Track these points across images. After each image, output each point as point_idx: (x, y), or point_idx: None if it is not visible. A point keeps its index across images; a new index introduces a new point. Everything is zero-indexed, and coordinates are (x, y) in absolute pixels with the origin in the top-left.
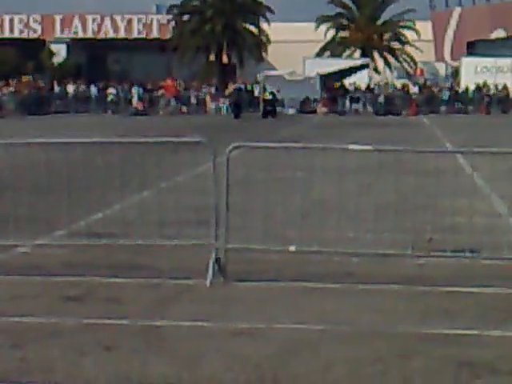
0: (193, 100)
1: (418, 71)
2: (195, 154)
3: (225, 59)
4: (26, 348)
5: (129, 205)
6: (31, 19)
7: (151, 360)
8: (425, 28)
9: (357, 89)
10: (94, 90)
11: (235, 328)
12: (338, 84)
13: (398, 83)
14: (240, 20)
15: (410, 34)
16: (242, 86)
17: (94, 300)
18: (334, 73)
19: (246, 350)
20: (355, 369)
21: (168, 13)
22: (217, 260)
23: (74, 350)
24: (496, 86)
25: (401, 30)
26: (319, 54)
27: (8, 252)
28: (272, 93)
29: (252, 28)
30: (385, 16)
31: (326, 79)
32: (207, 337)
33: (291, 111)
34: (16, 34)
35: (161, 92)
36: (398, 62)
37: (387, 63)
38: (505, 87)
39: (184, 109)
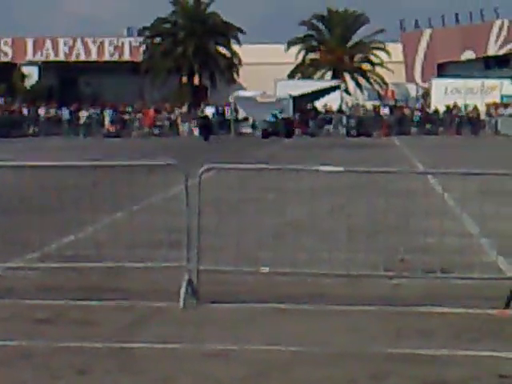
0: (165, 122)
1: (389, 92)
2: (167, 176)
3: (196, 81)
4: None
5: (101, 227)
6: (2, 42)
7: (124, 382)
8: (395, 49)
9: (328, 110)
10: (65, 112)
11: (208, 350)
12: (309, 105)
13: (369, 104)
14: (211, 42)
15: (380, 56)
16: (213, 110)
17: (66, 322)
18: (306, 94)
19: (218, 372)
20: None
21: (139, 35)
22: (189, 282)
23: (46, 373)
24: (466, 107)
25: (371, 51)
26: (291, 76)
27: None
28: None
29: (224, 50)
30: (355, 38)
31: (298, 101)
32: (180, 359)
33: None
34: None
35: (139, 116)
36: (369, 83)
37: (358, 85)
38: (475, 108)
39: (156, 131)
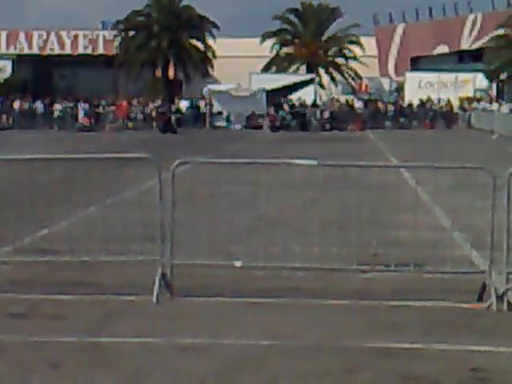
0: (139, 116)
1: (363, 86)
2: (141, 170)
3: (171, 75)
4: None
5: (74, 221)
6: None
7: (97, 377)
8: (369, 43)
9: (302, 104)
10: (39, 105)
11: (181, 344)
12: (283, 99)
13: (343, 98)
14: (186, 35)
15: (354, 50)
16: (187, 104)
17: (39, 317)
18: (280, 88)
19: (191, 366)
20: (300, 383)
21: (113, 28)
22: (163, 276)
23: (19, 367)
24: (439, 101)
25: (345, 45)
26: (265, 70)
27: None
28: (178, 109)
29: (198, 43)
30: (329, 31)
31: (272, 94)
32: (153, 353)
33: (237, 126)
34: None
35: (111, 108)
36: (343, 77)
37: (332, 78)
38: (448, 102)
39: (130, 124)
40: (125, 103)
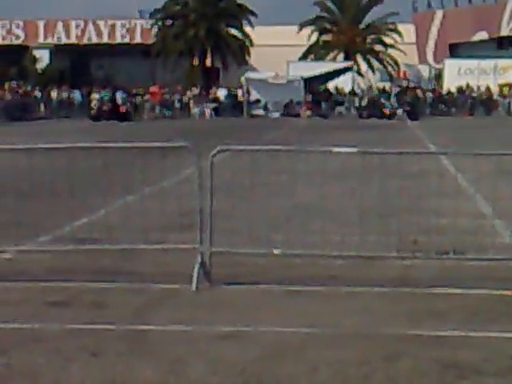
0: (177, 104)
1: (401, 74)
2: (180, 159)
3: (208, 63)
4: (11, 354)
5: (113, 210)
6: (14, 25)
7: (136, 365)
8: (408, 30)
9: (340, 92)
10: (77, 95)
11: (220, 332)
12: (321, 87)
13: (381, 86)
14: (223, 24)
15: (393, 37)
16: (225, 93)
17: (79, 305)
18: (318, 76)
19: (231, 354)
20: (341, 371)
21: (151, 17)
22: (202, 264)
23: (58, 355)
24: (479, 88)
25: (384, 32)
26: (303, 58)
27: None
28: (124, 98)
29: (235, 32)
30: (368, 19)
31: (310, 82)
32: (192, 341)
33: (275, 114)
34: None
35: (146, 97)
36: (381, 64)
37: (370, 66)
38: (488, 89)
39: (168, 113)
40: (157, 88)
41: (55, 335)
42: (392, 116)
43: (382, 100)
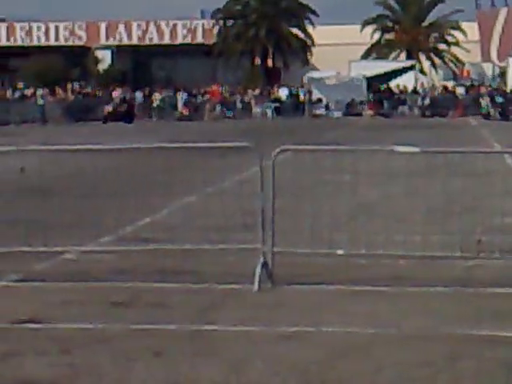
0: (238, 104)
1: (465, 72)
2: (241, 159)
3: (270, 63)
4: (74, 354)
5: (176, 210)
6: (76, 26)
7: (199, 365)
8: (471, 28)
9: (402, 91)
10: (138, 95)
11: (283, 332)
12: (384, 86)
13: (444, 84)
14: (284, 23)
15: (456, 35)
16: (286, 92)
17: (141, 305)
18: (380, 75)
19: (293, 355)
20: (405, 372)
21: (212, 18)
22: (264, 264)
23: (122, 355)
24: None
25: (447, 30)
26: (365, 57)
27: (55, 259)
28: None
29: (297, 31)
30: (431, 17)
31: (372, 81)
32: (255, 341)
33: (337, 114)
34: (61, 42)
35: (206, 97)
36: (444, 63)
37: (433, 64)
38: None
39: (229, 113)
40: (215, 86)
41: (118, 335)
42: (487, 116)
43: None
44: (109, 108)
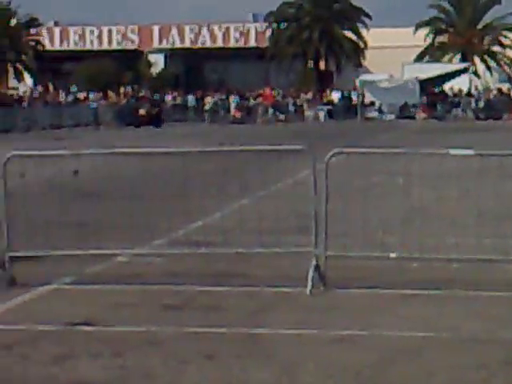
0: (290, 107)
1: None
2: (294, 162)
3: (322, 66)
4: (127, 356)
5: (228, 213)
6: (129, 30)
7: (251, 367)
8: None
9: (456, 94)
10: (191, 99)
11: (335, 335)
12: (437, 89)
13: (499, 87)
14: (337, 26)
15: (511, 37)
16: (339, 95)
17: (194, 308)
18: (434, 78)
19: (345, 358)
20: (458, 376)
21: (265, 21)
22: (317, 267)
23: (174, 358)
24: None
25: (502, 33)
26: (418, 59)
27: (108, 261)
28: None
29: (349, 34)
30: (485, 19)
31: (425, 84)
32: (307, 344)
33: (390, 117)
34: (114, 46)
35: (259, 100)
36: (499, 65)
37: (488, 67)
38: None
39: (281, 117)
40: (267, 89)
41: (171, 338)
42: None
43: None
44: (142, 111)
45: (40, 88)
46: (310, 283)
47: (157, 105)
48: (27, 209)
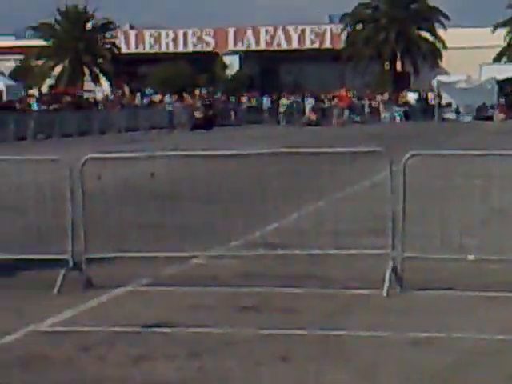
0: (366, 109)
1: None
2: (371, 163)
3: (399, 67)
4: (203, 358)
5: (304, 215)
6: (204, 32)
7: (327, 370)
8: None
9: None
10: (266, 101)
11: (412, 337)
12: None
13: None
14: (414, 27)
15: None
16: (415, 96)
17: (270, 310)
18: None
19: (423, 360)
20: None
21: (341, 22)
22: (394, 269)
23: (250, 359)
24: None
25: None
26: (496, 60)
27: (185, 263)
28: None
29: (426, 34)
30: None
31: (504, 85)
32: (384, 346)
33: (467, 118)
34: (189, 48)
35: (334, 102)
36: None
37: None
38: None
39: (357, 118)
40: (343, 91)
41: (247, 339)
42: None
43: None
44: (198, 114)
45: (117, 91)
46: (386, 285)
47: (212, 107)
48: (103, 211)
